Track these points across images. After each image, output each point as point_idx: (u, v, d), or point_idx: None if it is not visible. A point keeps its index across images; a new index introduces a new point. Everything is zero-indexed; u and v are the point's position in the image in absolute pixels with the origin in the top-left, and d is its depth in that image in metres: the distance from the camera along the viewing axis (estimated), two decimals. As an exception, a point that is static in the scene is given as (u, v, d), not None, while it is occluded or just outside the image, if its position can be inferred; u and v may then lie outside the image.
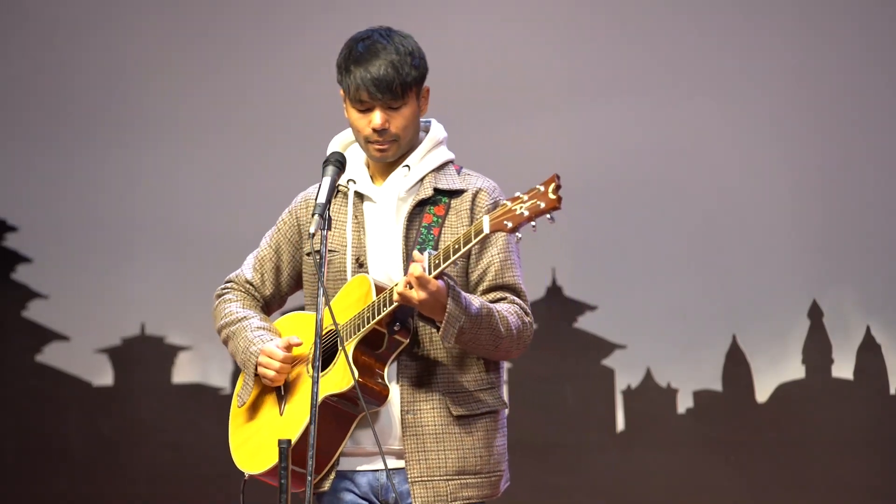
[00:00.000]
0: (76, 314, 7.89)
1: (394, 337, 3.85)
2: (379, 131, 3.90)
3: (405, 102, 3.90)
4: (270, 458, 3.89)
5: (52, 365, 7.88)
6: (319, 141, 4.17)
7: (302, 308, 4.11)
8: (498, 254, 3.94)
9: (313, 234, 3.74)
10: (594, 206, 7.47)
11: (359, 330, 3.83)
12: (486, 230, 3.65)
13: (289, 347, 3.93)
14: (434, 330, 3.79)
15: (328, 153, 4.02)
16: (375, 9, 7.43)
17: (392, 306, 3.77)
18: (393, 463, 3.91)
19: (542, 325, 7.51)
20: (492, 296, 3.92)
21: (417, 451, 3.88)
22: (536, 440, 7.38)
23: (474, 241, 3.67)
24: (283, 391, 3.97)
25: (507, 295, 3.93)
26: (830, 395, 7.24)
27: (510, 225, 3.62)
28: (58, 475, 7.82)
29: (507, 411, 4.02)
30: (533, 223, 3.61)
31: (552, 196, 3.58)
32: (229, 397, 4.14)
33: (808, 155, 7.27)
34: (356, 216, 3.98)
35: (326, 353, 3.88)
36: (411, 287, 3.70)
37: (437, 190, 3.97)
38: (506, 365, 7.47)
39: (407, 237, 3.93)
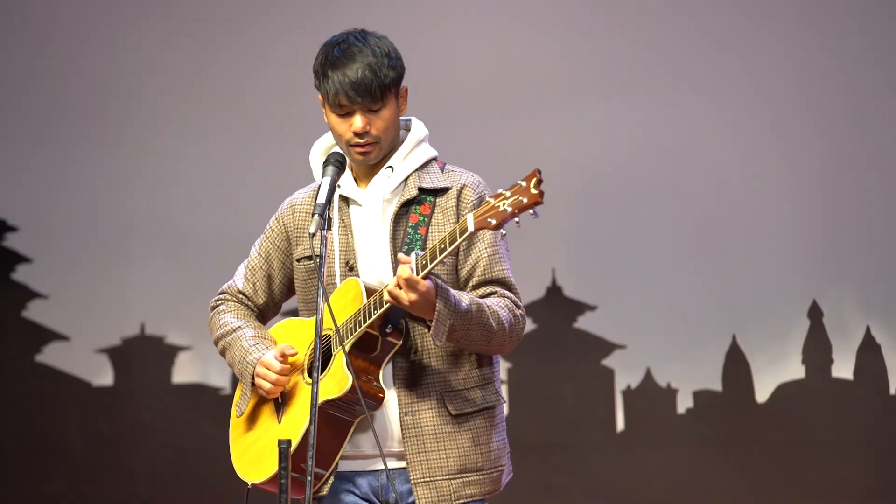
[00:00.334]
0: (76, 314, 7.89)
1: (386, 339, 3.85)
2: (360, 134, 3.89)
3: (384, 104, 3.90)
4: (270, 467, 3.89)
5: (52, 365, 7.88)
6: (319, 141, 4.16)
7: (295, 311, 4.10)
8: (486, 248, 3.94)
9: (313, 234, 3.74)
10: (594, 205, 7.47)
11: (351, 334, 3.82)
12: (471, 228, 3.65)
13: (284, 357, 3.92)
14: (426, 330, 3.78)
15: (310, 159, 4.03)
16: (375, 8, 7.43)
17: (383, 309, 3.77)
18: (393, 464, 3.90)
19: (542, 325, 7.50)
20: (482, 290, 3.92)
21: (418, 452, 3.88)
22: (536, 440, 7.38)
23: (460, 240, 3.67)
24: (280, 400, 3.97)
25: (498, 289, 3.92)
26: (830, 395, 7.24)
27: (494, 222, 3.62)
28: (58, 475, 7.81)
29: (504, 405, 4.02)
30: (516, 219, 3.61)
31: (534, 191, 3.58)
32: (229, 397, 4.14)
33: (808, 155, 7.27)
34: (343, 220, 3.97)
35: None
36: (400, 288, 3.70)
37: (421, 189, 3.96)
38: (506, 365, 7.50)
39: (394, 238, 3.92)
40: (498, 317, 3.84)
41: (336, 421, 3.83)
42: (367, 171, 4.00)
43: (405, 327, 3.88)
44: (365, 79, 3.85)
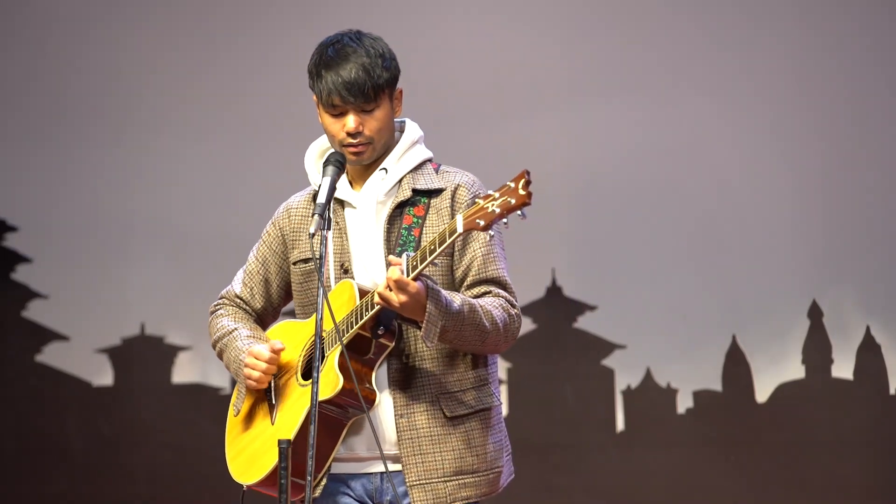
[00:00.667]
0: (76, 314, 7.89)
1: (379, 341, 3.84)
2: (353, 134, 3.89)
3: (378, 105, 3.89)
4: (263, 468, 3.90)
5: (52, 365, 7.88)
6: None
7: (294, 314, 4.11)
8: (480, 248, 3.93)
9: (313, 234, 3.74)
10: (594, 205, 7.47)
11: (344, 335, 3.82)
12: (460, 229, 3.65)
13: (274, 351, 3.92)
14: (419, 331, 3.78)
15: (305, 162, 4.03)
16: (375, 9, 7.43)
17: (374, 310, 3.77)
18: (389, 467, 3.89)
19: (542, 325, 7.50)
20: (477, 290, 3.91)
21: (414, 454, 3.88)
22: (536, 440, 7.38)
23: (449, 241, 3.67)
24: (273, 401, 3.97)
25: (492, 288, 3.92)
26: (830, 395, 7.24)
27: (482, 223, 3.61)
28: (58, 475, 7.82)
29: (501, 406, 4.01)
30: (505, 220, 3.61)
31: (522, 192, 3.58)
32: (229, 397, 4.14)
33: (808, 155, 7.27)
34: (337, 222, 3.97)
35: (312, 361, 3.87)
36: (390, 290, 3.69)
37: (415, 191, 3.96)
38: (506, 365, 7.50)
39: (388, 240, 3.92)
40: (492, 316, 3.84)
41: (329, 422, 3.83)
42: (361, 173, 4.00)
43: (398, 329, 3.87)
44: (358, 79, 3.85)
